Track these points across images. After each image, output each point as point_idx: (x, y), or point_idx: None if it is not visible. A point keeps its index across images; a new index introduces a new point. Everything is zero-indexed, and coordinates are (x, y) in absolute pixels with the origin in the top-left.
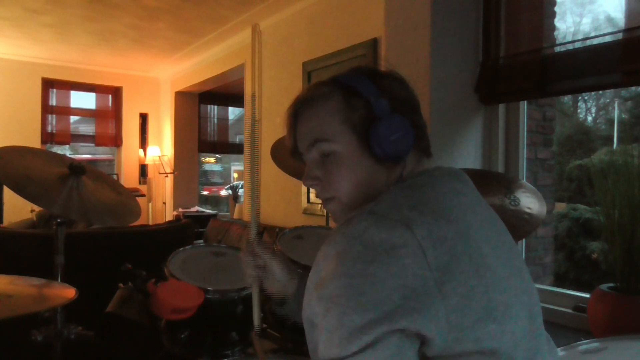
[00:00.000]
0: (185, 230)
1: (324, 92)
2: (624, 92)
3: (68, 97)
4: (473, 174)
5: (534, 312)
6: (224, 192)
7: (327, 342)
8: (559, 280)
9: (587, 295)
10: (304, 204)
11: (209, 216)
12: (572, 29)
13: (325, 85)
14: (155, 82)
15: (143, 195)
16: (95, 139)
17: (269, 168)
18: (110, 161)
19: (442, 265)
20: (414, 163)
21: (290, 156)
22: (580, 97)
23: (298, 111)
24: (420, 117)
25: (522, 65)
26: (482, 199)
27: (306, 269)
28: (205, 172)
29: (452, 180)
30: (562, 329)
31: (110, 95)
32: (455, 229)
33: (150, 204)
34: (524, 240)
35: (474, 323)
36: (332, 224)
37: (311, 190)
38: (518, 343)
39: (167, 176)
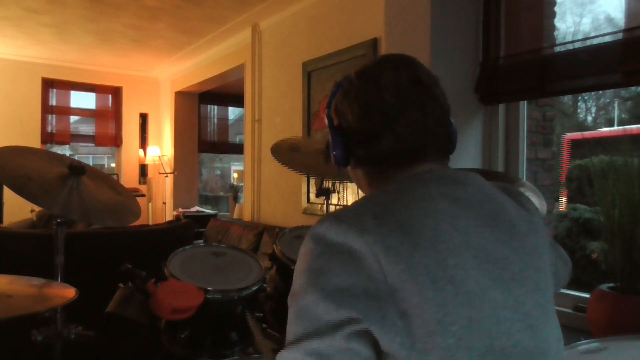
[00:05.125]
0: (185, 230)
1: None
2: (624, 92)
3: (68, 97)
4: None
5: (535, 328)
6: None
7: (288, 328)
8: None
9: (587, 295)
10: (304, 204)
11: (209, 216)
12: (572, 29)
13: None
14: (155, 82)
15: (143, 195)
16: (95, 139)
17: (269, 168)
18: None
19: (396, 273)
20: (409, 166)
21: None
22: (580, 97)
23: None
24: (396, 119)
25: (522, 65)
26: (487, 200)
27: None
28: None
29: (440, 185)
30: (562, 329)
31: (110, 95)
32: (414, 239)
33: (150, 204)
34: None
35: (426, 334)
36: None
37: (311, 190)
38: None
39: (167, 176)
